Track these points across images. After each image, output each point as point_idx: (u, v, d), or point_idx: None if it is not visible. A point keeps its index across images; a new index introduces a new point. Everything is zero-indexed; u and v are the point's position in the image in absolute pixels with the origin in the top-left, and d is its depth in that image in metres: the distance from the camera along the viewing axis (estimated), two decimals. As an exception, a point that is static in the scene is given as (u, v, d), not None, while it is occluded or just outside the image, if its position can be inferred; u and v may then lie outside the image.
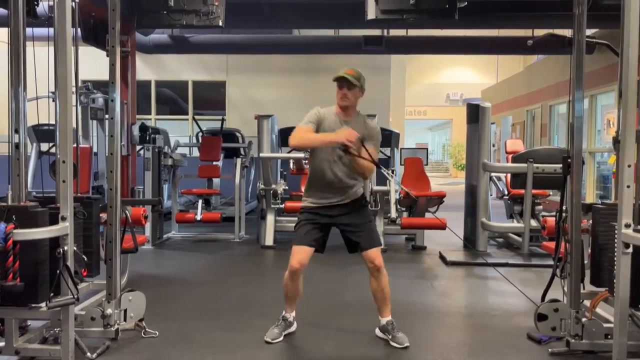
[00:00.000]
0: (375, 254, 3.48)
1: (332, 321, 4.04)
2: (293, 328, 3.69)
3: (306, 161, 7.38)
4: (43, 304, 2.89)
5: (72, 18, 2.96)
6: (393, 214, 6.98)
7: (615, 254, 2.86)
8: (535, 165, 6.34)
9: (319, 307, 4.34)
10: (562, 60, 10.56)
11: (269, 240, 7.01)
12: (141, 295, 3.65)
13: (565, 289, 3.47)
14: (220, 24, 6.74)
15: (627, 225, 2.74)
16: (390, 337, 3.52)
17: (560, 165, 3.46)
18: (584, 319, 3.30)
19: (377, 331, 3.64)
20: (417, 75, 23.50)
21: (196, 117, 11.97)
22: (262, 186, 7.03)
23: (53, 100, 3.07)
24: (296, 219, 3.63)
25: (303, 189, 3.72)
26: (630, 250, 2.73)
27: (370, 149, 3.38)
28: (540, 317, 3.52)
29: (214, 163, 8.75)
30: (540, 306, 3.55)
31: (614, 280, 2.86)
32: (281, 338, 3.55)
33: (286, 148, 9.00)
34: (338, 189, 3.48)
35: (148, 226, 6.70)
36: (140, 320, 3.64)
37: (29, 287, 2.76)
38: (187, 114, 12.94)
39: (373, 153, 3.40)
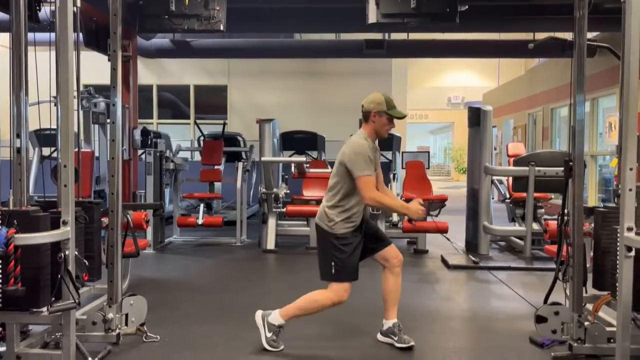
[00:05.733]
0: (396, 248, 3.59)
1: (336, 325, 4.02)
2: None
3: (307, 165, 7.39)
4: (44, 309, 2.88)
5: (74, 23, 2.96)
6: (395, 217, 6.97)
7: (618, 257, 2.85)
8: (537, 168, 6.32)
9: (323, 312, 4.32)
10: (563, 63, 10.55)
11: (270, 244, 7.00)
12: (142, 299, 3.64)
13: (568, 292, 3.46)
14: (222, 28, 6.75)
15: (630, 229, 2.73)
16: (396, 339, 3.51)
17: (562, 168, 3.45)
18: (586, 323, 3.28)
19: (380, 336, 3.62)
20: (418, 78, 23.44)
21: (198, 121, 11.99)
22: (264, 190, 7.03)
23: (55, 105, 3.08)
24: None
25: (334, 214, 3.35)
26: (633, 253, 2.72)
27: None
28: (540, 319, 3.49)
29: (216, 167, 8.76)
30: (540, 308, 3.53)
31: (617, 284, 2.85)
32: (282, 347, 3.47)
33: (287, 152, 9.04)
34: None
35: (149, 230, 6.70)
36: (142, 325, 3.64)
37: (31, 291, 2.76)
38: (188, 118, 12.96)
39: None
